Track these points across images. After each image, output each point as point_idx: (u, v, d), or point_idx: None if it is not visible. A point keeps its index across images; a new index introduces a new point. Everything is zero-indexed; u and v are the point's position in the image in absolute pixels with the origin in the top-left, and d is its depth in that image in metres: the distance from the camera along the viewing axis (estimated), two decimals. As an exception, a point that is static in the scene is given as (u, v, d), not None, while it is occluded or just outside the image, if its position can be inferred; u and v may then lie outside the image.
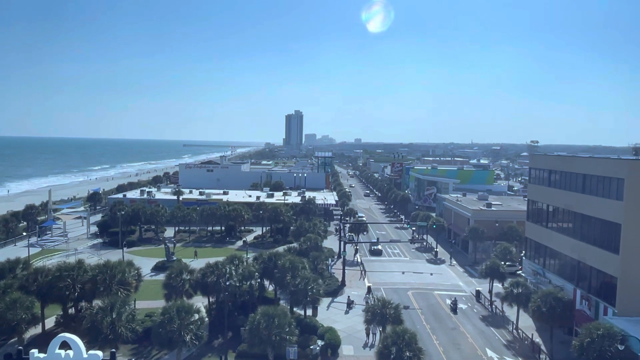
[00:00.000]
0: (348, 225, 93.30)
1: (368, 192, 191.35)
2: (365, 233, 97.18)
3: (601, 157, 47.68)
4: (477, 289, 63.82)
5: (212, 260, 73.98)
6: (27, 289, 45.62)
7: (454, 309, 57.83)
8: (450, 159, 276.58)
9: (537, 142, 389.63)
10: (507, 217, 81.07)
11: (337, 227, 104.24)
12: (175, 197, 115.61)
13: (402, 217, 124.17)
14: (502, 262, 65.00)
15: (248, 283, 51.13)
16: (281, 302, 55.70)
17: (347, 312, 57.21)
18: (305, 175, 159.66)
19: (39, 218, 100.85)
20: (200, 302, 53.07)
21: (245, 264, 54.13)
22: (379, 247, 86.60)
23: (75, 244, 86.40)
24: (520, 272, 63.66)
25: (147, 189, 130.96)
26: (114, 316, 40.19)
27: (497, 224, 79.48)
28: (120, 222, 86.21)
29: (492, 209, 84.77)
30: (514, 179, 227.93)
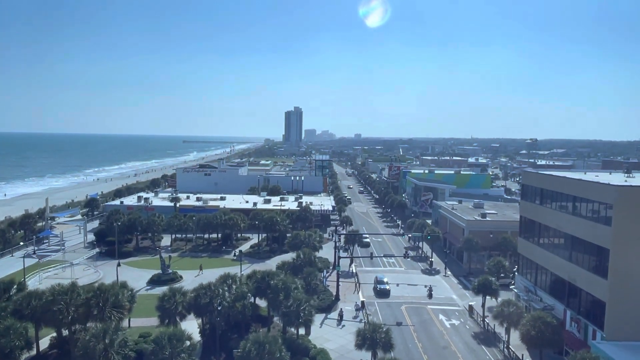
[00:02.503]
0: (343, 236, 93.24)
1: (362, 189, 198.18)
2: (364, 245, 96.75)
3: (591, 181, 47.62)
4: (470, 303, 64.17)
5: (213, 271, 75.61)
6: (21, 312, 46.01)
7: (430, 294, 68.30)
8: (448, 158, 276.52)
9: (536, 139, 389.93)
10: (502, 227, 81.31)
11: (332, 232, 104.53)
12: (172, 204, 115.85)
13: (399, 222, 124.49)
14: (495, 277, 65.53)
15: (241, 303, 51.47)
16: (275, 319, 56.15)
17: (339, 325, 58.22)
18: (302, 179, 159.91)
19: (37, 225, 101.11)
20: (193, 321, 53.69)
21: (238, 283, 54.55)
22: (387, 286, 70.97)
23: (72, 255, 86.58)
24: (513, 286, 63.99)
25: (145, 195, 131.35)
26: (106, 342, 40.66)
27: (491, 235, 79.80)
28: (117, 233, 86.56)
29: (487, 219, 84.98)
30: (512, 179, 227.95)
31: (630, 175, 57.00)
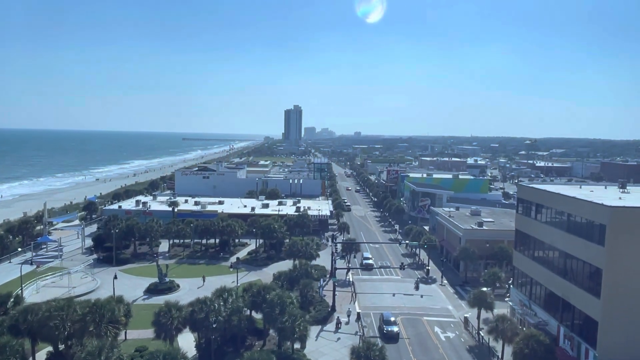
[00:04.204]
0: (340, 244, 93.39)
1: (359, 188, 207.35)
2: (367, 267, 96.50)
3: (584, 200, 47.72)
4: (466, 315, 64.40)
5: (211, 279, 75.84)
6: (17, 327, 46.32)
7: (417, 287, 74.77)
8: (447, 159, 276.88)
9: (535, 140, 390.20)
10: (498, 236, 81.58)
11: (330, 237, 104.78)
12: (170, 209, 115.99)
13: (397, 227, 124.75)
14: (491, 288, 65.93)
15: (237, 317, 51.71)
16: (270, 331, 56.40)
17: (335, 333, 58.83)
18: (301, 182, 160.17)
19: (35, 230, 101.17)
20: (189, 334, 53.86)
21: (234, 296, 54.74)
22: (395, 328, 59.25)
23: (70, 263, 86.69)
24: (508, 299, 64.31)
25: (143, 199, 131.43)
26: (102, 359, 40.97)
27: (487, 245, 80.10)
28: (115, 240, 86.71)
29: (484, 227, 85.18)
30: (511, 181, 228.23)
31: (625, 190, 57.18)
